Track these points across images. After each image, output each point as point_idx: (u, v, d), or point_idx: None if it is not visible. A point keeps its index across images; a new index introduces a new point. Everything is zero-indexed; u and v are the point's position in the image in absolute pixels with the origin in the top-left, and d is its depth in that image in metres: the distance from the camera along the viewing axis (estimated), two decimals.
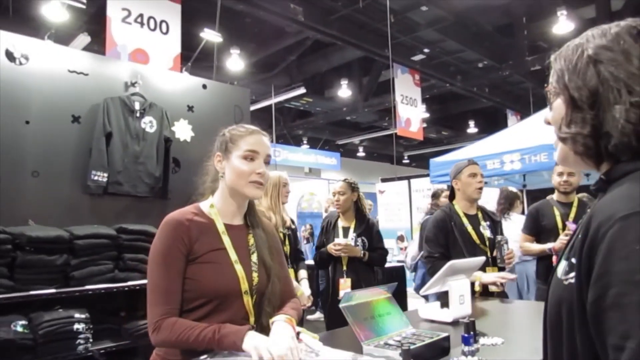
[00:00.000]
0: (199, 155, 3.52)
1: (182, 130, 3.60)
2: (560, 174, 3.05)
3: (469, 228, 2.70)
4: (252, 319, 1.49)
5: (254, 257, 1.54)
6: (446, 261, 2.59)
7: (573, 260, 0.71)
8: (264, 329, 1.47)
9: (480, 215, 2.80)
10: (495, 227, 2.82)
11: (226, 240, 1.50)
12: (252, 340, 1.30)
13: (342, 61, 9.97)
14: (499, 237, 2.64)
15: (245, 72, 9.21)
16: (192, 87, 3.75)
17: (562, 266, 0.75)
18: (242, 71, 8.95)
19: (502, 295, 2.77)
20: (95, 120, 3.10)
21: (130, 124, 3.24)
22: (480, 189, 2.71)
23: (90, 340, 2.60)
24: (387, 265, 5.98)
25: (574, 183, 3.04)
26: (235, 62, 8.43)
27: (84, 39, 5.65)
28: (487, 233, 2.71)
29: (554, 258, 2.94)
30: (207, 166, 1.61)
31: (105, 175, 3.06)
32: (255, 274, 1.51)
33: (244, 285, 1.47)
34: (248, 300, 1.48)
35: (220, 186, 1.56)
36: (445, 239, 2.68)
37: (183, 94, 3.68)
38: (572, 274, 0.70)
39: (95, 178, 3.03)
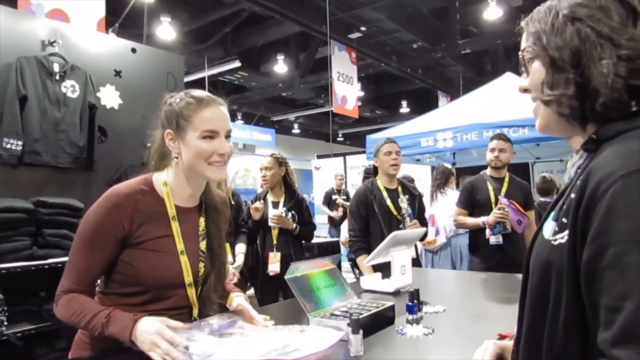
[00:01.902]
0: (127, 124, 3.37)
1: (109, 97, 3.33)
2: (492, 150, 3.20)
3: (388, 201, 2.92)
4: (195, 311, 1.39)
5: (203, 245, 1.41)
6: (364, 245, 2.85)
7: (564, 220, 0.68)
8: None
9: (400, 189, 3.00)
10: (414, 201, 2.99)
11: (175, 227, 1.35)
12: (144, 342, 1.15)
13: (279, 36, 9.77)
14: (402, 211, 2.86)
15: (177, 42, 8.76)
16: (119, 51, 3.47)
17: (550, 227, 0.73)
18: (173, 40, 8.49)
19: (416, 264, 2.90)
20: (7, 82, 2.76)
21: (49, 88, 2.94)
22: (395, 165, 2.93)
23: (5, 323, 2.37)
24: (322, 240, 6.06)
25: (504, 159, 3.21)
26: (166, 30, 7.97)
27: None
28: (404, 206, 2.90)
29: (487, 231, 3.06)
30: (153, 138, 1.40)
31: (20, 143, 2.76)
32: (201, 264, 1.39)
33: (188, 278, 1.35)
34: (192, 293, 1.37)
35: (174, 165, 1.36)
36: (366, 212, 2.92)
37: (109, 58, 3.39)
38: (562, 234, 0.68)
39: (8, 146, 2.72)
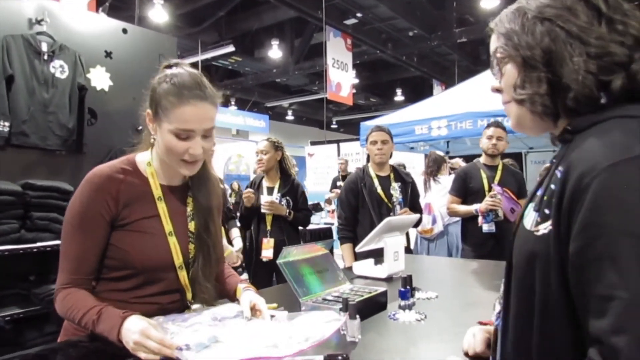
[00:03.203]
0: (118, 107, 3.31)
1: (99, 78, 3.26)
2: (490, 137, 3.17)
3: (379, 189, 2.91)
4: (189, 295, 1.34)
5: (192, 226, 1.35)
6: (349, 234, 2.90)
7: (546, 211, 0.69)
8: (203, 301, 1.35)
9: (392, 176, 2.98)
10: (406, 188, 2.98)
11: (162, 207, 1.30)
12: (128, 343, 1.09)
13: (274, 21, 9.66)
14: (393, 199, 2.86)
15: (170, 25, 8.64)
16: (110, 31, 3.39)
17: (532, 217, 0.73)
18: (166, 23, 8.38)
19: (407, 252, 2.89)
20: None
21: (37, 68, 2.87)
22: (381, 155, 2.91)
23: None
24: (315, 227, 6.05)
25: (501, 147, 3.19)
26: (159, 12, 7.84)
27: None
28: (396, 193, 2.89)
29: (480, 219, 3.06)
30: (141, 114, 1.32)
31: (7, 124, 2.70)
32: (191, 246, 1.34)
33: (178, 260, 1.30)
34: (183, 275, 1.32)
35: (155, 145, 1.31)
36: (355, 200, 2.92)
37: (100, 38, 3.32)
38: (545, 225, 0.68)
39: None
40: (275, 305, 1.44)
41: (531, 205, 0.76)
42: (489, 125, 3.21)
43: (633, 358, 0.53)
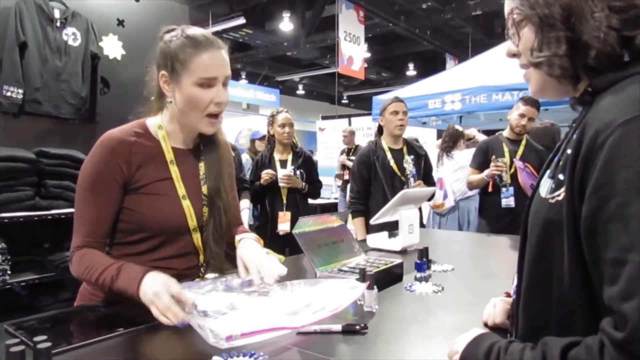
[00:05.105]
0: (130, 76, 3.27)
1: (112, 47, 3.22)
2: (522, 116, 3.06)
3: (392, 162, 2.87)
4: (202, 257, 1.36)
5: (205, 189, 1.36)
6: (361, 207, 2.87)
7: (561, 176, 0.66)
8: (214, 268, 1.36)
9: (405, 149, 2.94)
10: (419, 161, 2.94)
11: (174, 170, 1.30)
12: (147, 294, 1.10)
13: None
14: (407, 171, 2.83)
15: None
16: None
17: (547, 184, 0.70)
18: None
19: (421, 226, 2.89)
20: (6, 27, 2.66)
21: (50, 35, 2.84)
22: (402, 126, 2.85)
23: (9, 272, 2.38)
24: (326, 201, 6.05)
25: (529, 128, 3.13)
26: None
27: None
28: (409, 167, 2.86)
29: (490, 185, 3.03)
30: (147, 82, 1.33)
31: (21, 91, 2.69)
32: (205, 209, 1.35)
33: (192, 222, 1.31)
34: (197, 238, 1.33)
35: (169, 108, 1.30)
36: (367, 173, 2.88)
37: (112, 6, 3.26)
38: (560, 191, 0.65)
39: (8, 94, 2.65)
40: (282, 257, 1.40)
41: (547, 173, 0.73)
42: (525, 102, 3.05)
43: None
